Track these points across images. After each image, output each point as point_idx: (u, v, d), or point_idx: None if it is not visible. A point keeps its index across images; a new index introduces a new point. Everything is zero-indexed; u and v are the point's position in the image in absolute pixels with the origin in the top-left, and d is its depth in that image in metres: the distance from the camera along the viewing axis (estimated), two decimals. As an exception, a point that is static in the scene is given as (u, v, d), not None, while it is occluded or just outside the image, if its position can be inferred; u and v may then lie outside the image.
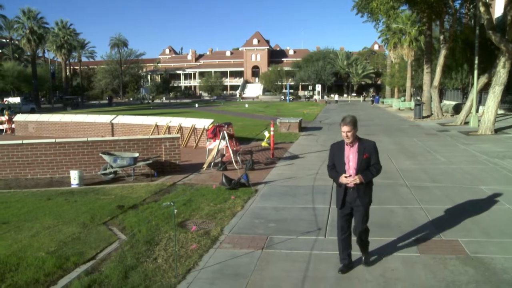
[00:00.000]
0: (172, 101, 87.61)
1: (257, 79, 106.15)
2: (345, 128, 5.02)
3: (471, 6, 30.95)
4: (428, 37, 33.62)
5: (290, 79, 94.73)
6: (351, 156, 5.08)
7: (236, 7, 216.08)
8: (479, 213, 7.54)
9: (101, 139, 12.64)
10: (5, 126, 26.22)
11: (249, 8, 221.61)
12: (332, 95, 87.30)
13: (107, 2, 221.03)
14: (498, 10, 31.62)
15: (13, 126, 25.51)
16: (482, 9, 19.70)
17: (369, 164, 5.07)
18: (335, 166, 5.25)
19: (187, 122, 18.79)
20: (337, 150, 5.26)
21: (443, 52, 28.82)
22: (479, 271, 5.22)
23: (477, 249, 5.88)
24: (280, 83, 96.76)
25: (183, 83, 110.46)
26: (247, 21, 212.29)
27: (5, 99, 51.61)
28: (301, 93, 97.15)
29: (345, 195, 5.14)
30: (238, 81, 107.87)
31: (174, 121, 19.39)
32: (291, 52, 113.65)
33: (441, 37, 29.19)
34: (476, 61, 23.11)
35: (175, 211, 5.30)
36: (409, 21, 43.98)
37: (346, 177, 5.04)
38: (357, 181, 4.99)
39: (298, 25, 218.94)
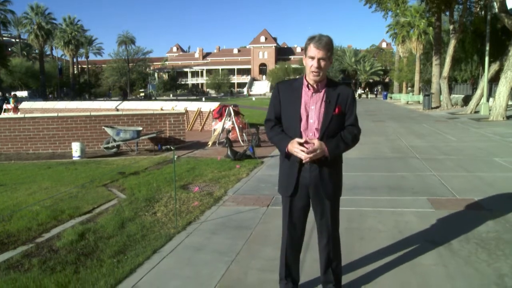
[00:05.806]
0: (178, 97, 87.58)
1: (264, 76, 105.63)
2: (318, 53, 2.77)
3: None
4: (437, 28, 33.13)
5: (297, 77, 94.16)
6: (312, 108, 2.89)
7: (244, 4, 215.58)
8: (494, 178, 7.21)
9: (104, 113, 12.40)
10: (11, 114, 26.14)
11: (256, 6, 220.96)
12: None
13: None
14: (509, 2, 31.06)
15: (19, 113, 25.41)
16: (494, -9, 19.28)
17: (342, 124, 2.94)
18: (280, 123, 3.03)
19: (193, 106, 18.54)
20: (287, 95, 2.99)
21: (452, 42, 28.28)
22: (498, 223, 4.89)
23: (495, 205, 5.55)
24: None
25: (190, 80, 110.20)
26: (255, 19, 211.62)
27: (12, 92, 51.79)
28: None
29: (298, 174, 2.96)
30: (246, 79, 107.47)
31: (180, 105, 19.15)
32: (298, 50, 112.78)
33: (451, 27, 28.65)
34: (487, 48, 22.63)
35: (175, 157, 5.01)
36: (418, 14, 43.44)
37: (301, 144, 2.80)
38: (319, 154, 2.79)
39: (306, 22, 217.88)
